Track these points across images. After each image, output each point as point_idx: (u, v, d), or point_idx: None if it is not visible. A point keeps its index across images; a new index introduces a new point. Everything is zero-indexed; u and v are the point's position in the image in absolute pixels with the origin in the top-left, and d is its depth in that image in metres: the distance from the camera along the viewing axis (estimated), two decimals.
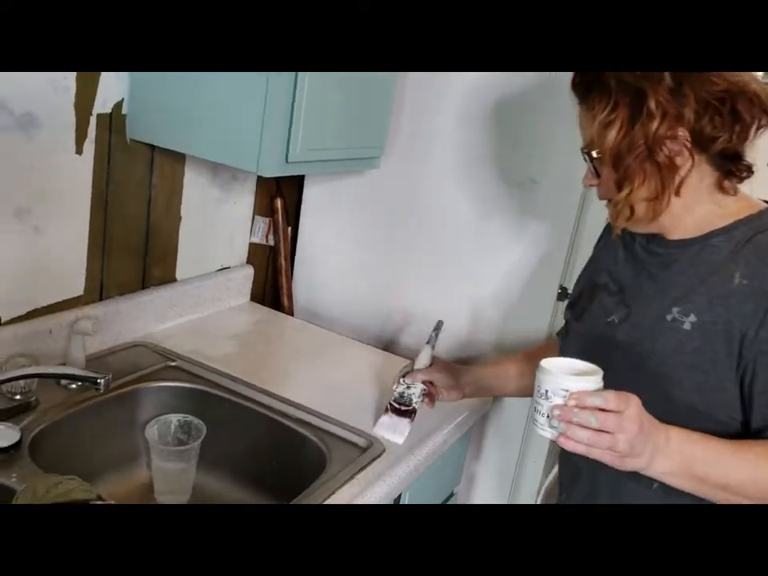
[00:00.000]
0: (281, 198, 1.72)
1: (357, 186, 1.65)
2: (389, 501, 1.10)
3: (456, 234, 1.54)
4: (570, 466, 1.04)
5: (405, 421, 1.19)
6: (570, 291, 1.45)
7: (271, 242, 1.77)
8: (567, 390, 0.77)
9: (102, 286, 1.34)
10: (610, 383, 0.79)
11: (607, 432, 0.75)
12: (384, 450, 1.15)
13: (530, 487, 1.56)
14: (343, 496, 1.02)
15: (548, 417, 0.79)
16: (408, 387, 1.20)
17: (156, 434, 1.20)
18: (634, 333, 0.90)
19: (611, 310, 0.95)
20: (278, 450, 1.22)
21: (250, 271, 1.72)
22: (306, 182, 1.74)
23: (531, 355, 1.20)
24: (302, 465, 1.17)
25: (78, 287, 1.29)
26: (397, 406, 1.21)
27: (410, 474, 1.14)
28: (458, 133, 1.50)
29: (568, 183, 1.41)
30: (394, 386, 1.21)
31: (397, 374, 1.22)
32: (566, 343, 1.04)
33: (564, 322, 1.09)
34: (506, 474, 1.57)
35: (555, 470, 1.56)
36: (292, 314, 1.77)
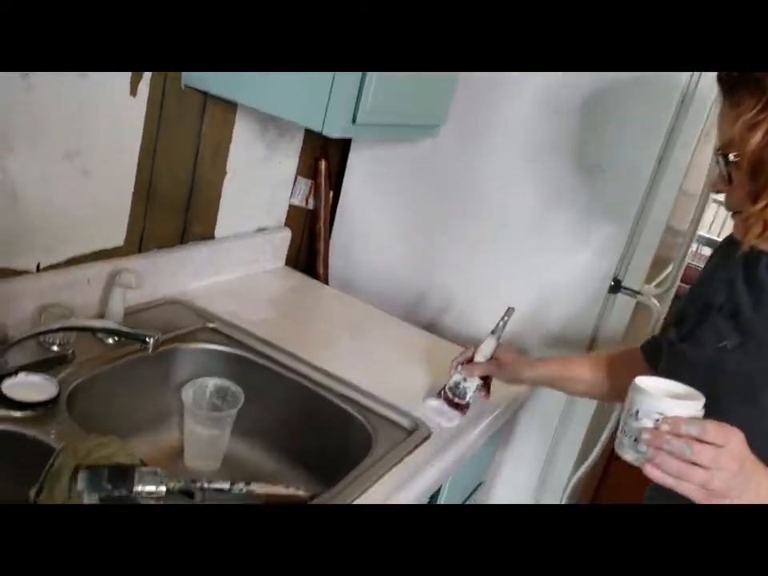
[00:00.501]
0: (325, 160, 1.65)
1: (407, 157, 1.58)
2: (435, 487, 1.05)
3: (509, 219, 1.48)
4: None
5: (456, 413, 1.15)
6: (623, 284, 1.40)
7: (311, 206, 1.71)
8: (662, 414, 0.70)
9: (143, 238, 1.28)
10: (712, 413, 0.71)
11: (702, 466, 0.68)
12: (431, 434, 1.10)
13: (558, 482, 1.52)
14: (392, 479, 0.97)
15: (635, 440, 0.72)
16: (465, 379, 1.15)
17: (191, 397, 1.15)
18: (748, 362, 0.82)
19: (724, 335, 0.85)
20: (319, 425, 1.17)
21: (287, 234, 1.66)
22: (352, 145, 1.67)
23: (609, 360, 1.13)
24: (345, 443, 1.12)
25: (118, 237, 1.23)
26: (450, 396, 1.16)
27: (455, 461, 1.09)
28: (524, 112, 1.42)
29: (634, 174, 1.34)
30: (451, 372, 1.15)
31: (454, 360, 1.16)
32: (667, 364, 0.94)
33: (659, 339, 1.03)
34: (534, 466, 1.52)
35: (585, 466, 1.52)
36: (327, 283, 1.71)
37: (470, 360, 1.16)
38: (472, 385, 1.15)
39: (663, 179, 1.34)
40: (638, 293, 1.39)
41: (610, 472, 2.22)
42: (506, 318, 1.18)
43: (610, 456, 2.10)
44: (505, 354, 1.17)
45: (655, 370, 0.95)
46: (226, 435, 1.18)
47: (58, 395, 0.95)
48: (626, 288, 1.39)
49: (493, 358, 1.15)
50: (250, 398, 1.16)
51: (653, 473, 0.69)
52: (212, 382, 1.19)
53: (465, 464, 1.16)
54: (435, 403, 1.16)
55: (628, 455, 0.74)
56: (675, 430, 0.69)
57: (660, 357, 0.97)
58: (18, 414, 0.91)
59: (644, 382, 0.74)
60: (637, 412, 0.72)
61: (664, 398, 0.72)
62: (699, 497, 0.69)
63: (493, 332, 1.17)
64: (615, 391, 1.10)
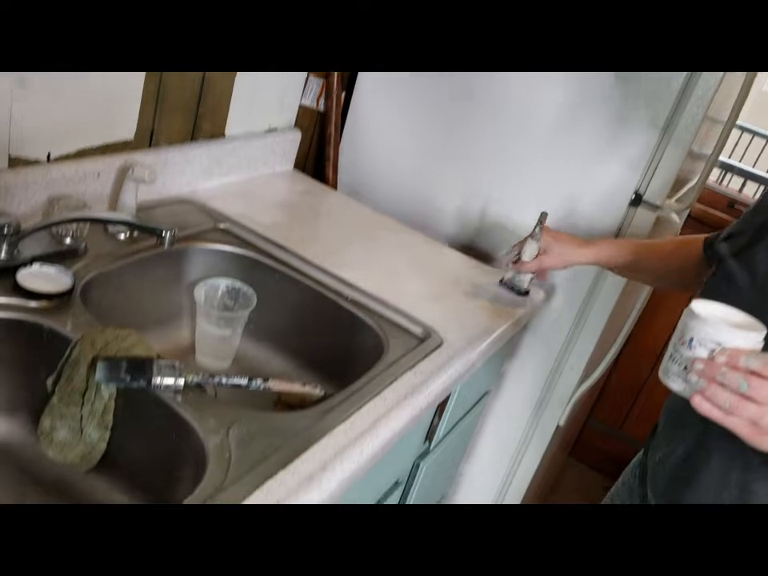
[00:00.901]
0: None
1: None
2: (445, 394, 1.06)
3: (533, 120, 1.44)
4: (691, 440, 0.87)
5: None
6: (644, 198, 1.38)
7: (322, 108, 1.66)
8: (719, 344, 0.66)
9: (153, 132, 1.24)
10: None
11: (755, 402, 0.64)
12: (443, 342, 1.11)
13: (562, 393, 1.54)
14: (404, 385, 0.98)
15: (685, 368, 0.68)
16: (518, 273, 1.28)
17: (203, 296, 1.15)
18: None
19: None
20: (330, 330, 1.17)
21: (297, 136, 1.61)
22: None
23: (675, 246, 1.14)
24: (356, 349, 1.13)
25: (128, 131, 1.19)
26: (510, 286, 1.31)
27: (467, 370, 1.10)
28: None
29: (663, 87, 1.30)
30: (506, 265, 1.28)
31: (504, 258, 1.29)
32: (713, 282, 0.89)
33: (709, 253, 1.00)
34: (539, 377, 1.55)
35: (590, 380, 1.55)
36: (335, 188, 1.68)
37: (517, 261, 1.25)
38: (525, 277, 1.29)
39: (692, 97, 1.30)
40: (659, 207, 1.38)
41: (607, 389, 2.27)
42: (541, 221, 1.24)
43: (610, 373, 2.15)
44: (555, 246, 1.21)
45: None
46: (237, 336, 1.18)
47: (73, 287, 0.95)
48: (646, 202, 1.38)
49: (538, 255, 1.22)
50: (261, 301, 1.16)
51: (701, 405, 0.66)
52: (224, 283, 1.18)
53: (473, 373, 1.17)
54: (499, 290, 1.28)
55: (675, 384, 0.71)
56: (733, 363, 0.65)
57: (712, 263, 0.93)
58: (33, 303, 0.90)
59: (701, 307, 0.70)
60: (691, 340, 0.68)
61: (724, 327, 0.67)
62: (746, 432, 0.66)
63: (531, 236, 1.23)
64: (678, 284, 1.16)
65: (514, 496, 1.67)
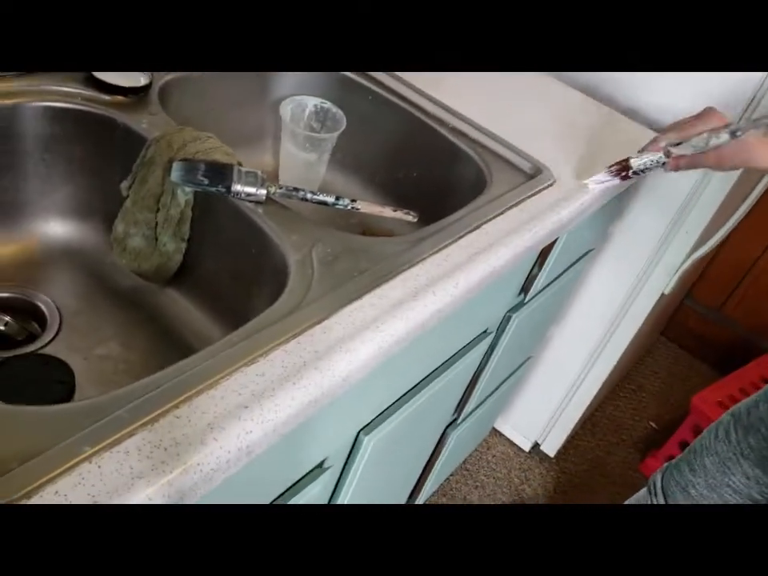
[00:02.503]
0: None
1: None
2: (550, 239, 0.94)
3: None
4: None
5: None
6: None
7: None
8: None
9: None
10: None
11: None
12: (554, 182, 0.98)
13: (672, 259, 1.40)
14: (508, 221, 0.87)
15: None
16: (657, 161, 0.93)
17: (289, 114, 1.04)
18: None
19: None
20: (426, 161, 1.06)
21: None
22: None
23: None
24: (454, 183, 1.02)
25: None
26: (624, 172, 0.96)
27: (580, 213, 0.98)
28: None
29: None
30: (664, 146, 0.92)
31: (656, 141, 0.93)
32: None
33: None
34: (648, 240, 1.40)
35: (705, 248, 1.39)
36: None
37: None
38: (655, 158, 0.93)
39: None
40: None
41: (711, 267, 2.09)
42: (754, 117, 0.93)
43: (717, 249, 1.96)
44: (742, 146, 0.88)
45: None
46: (323, 162, 1.09)
47: (150, 84, 0.86)
48: None
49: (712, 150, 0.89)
50: (351, 126, 1.05)
51: None
52: (312, 102, 1.07)
53: (582, 222, 1.04)
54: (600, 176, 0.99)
55: None
56: None
57: None
58: (107, 97, 0.82)
59: None
60: None
61: None
62: None
63: (733, 132, 0.86)
64: None
65: (602, 368, 1.57)
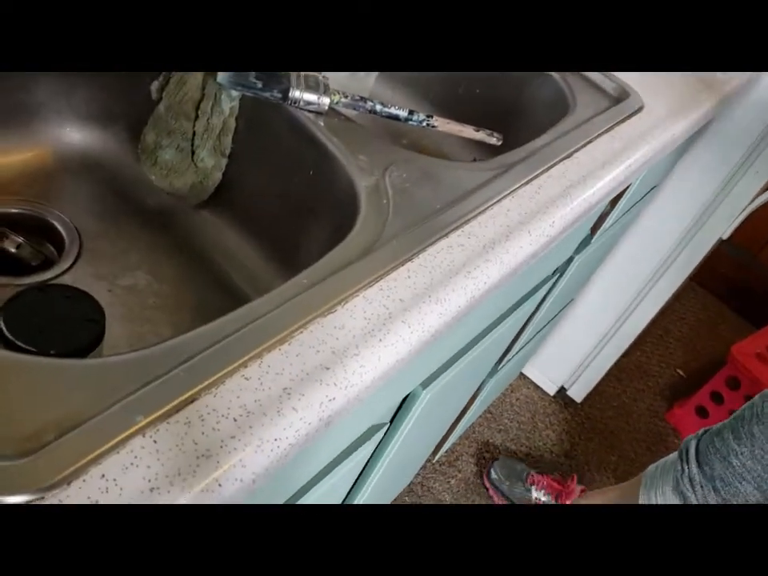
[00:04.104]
0: None
1: None
2: (642, 172, 0.83)
3: None
4: None
5: None
6: None
7: None
8: None
9: None
10: None
11: None
12: (642, 107, 0.85)
13: (735, 203, 1.29)
14: (601, 149, 0.75)
15: None
16: None
17: None
18: None
19: None
20: (500, 81, 0.92)
21: None
22: None
23: None
24: (524, 101, 0.89)
25: None
26: None
27: (670, 143, 0.86)
28: None
29: None
30: None
31: None
32: None
33: None
34: (713, 179, 1.28)
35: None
36: None
37: None
38: None
39: None
40: None
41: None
42: None
43: None
44: None
45: None
46: (372, 73, 0.95)
47: None
48: None
49: None
50: None
51: None
52: None
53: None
54: None
55: None
56: None
57: None
58: None
59: None
60: None
61: None
62: None
63: None
64: None
65: (641, 315, 1.48)
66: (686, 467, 1.11)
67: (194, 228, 0.74)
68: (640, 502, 1.14)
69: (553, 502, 1.35)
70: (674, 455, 1.16)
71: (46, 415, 0.37)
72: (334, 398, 0.44)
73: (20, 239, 0.65)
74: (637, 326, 1.51)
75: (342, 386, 0.45)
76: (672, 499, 1.09)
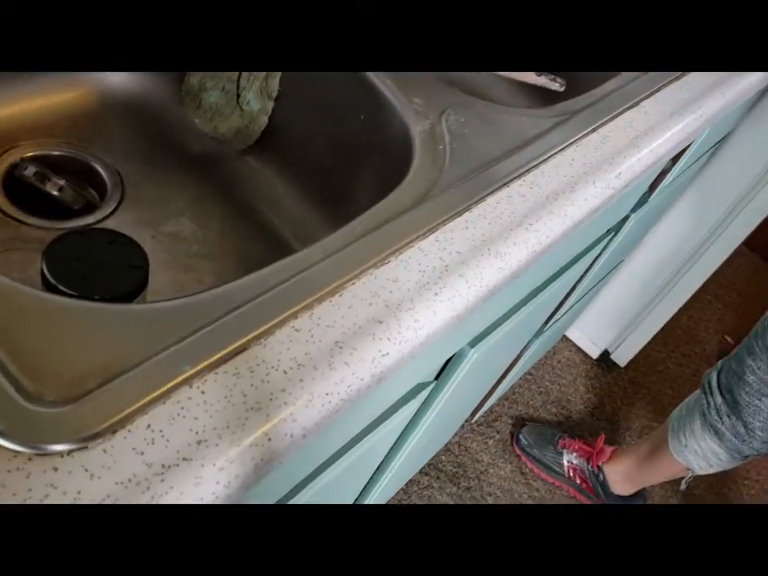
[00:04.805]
0: None
1: None
2: (711, 125, 0.77)
3: None
4: None
5: None
6: None
7: None
8: None
9: None
10: None
11: None
12: None
13: None
14: (668, 99, 0.70)
15: None
16: None
17: None
18: None
19: None
20: None
21: None
22: None
23: None
24: None
25: None
26: None
27: (740, 96, 0.80)
28: None
29: None
30: None
31: None
32: None
33: None
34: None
35: None
36: None
37: None
38: None
39: None
40: None
41: None
42: None
43: None
44: None
45: None
46: None
47: None
48: None
49: None
50: None
51: None
52: None
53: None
54: None
55: None
56: None
57: None
58: None
59: None
60: None
61: None
62: None
63: None
64: None
65: (693, 279, 1.43)
66: (710, 399, 1.07)
67: (239, 175, 0.71)
68: (670, 447, 1.11)
69: (585, 465, 1.32)
70: (696, 393, 1.12)
71: (89, 361, 0.36)
72: (387, 353, 0.42)
73: (62, 182, 0.63)
74: (686, 290, 1.46)
75: (395, 341, 0.43)
76: (702, 436, 1.05)
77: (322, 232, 0.55)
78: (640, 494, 1.33)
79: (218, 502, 0.34)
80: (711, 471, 1.10)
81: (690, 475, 1.12)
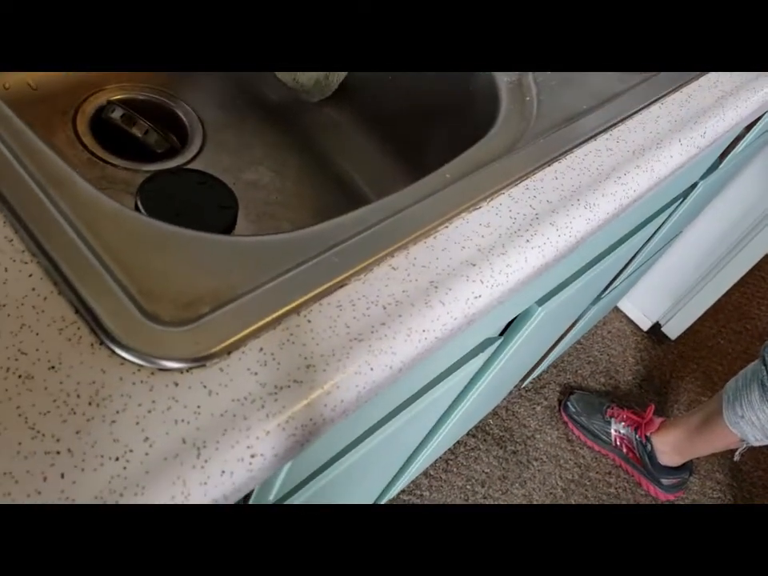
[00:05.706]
0: None
1: None
2: None
3: None
4: None
5: None
6: None
7: None
8: None
9: None
10: None
11: None
12: None
13: None
14: None
15: None
16: None
17: None
18: None
19: None
20: None
21: None
22: None
23: None
24: None
25: None
26: None
27: None
28: None
29: None
30: None
31: None
32: None
33: None
34: None
35: None
36: None
37: None
38: None
39: None
40: None
41: None
42: None
43: None
44: None
45: None
46: None
47: None
48: None
49: None
50: None
51: None
52: None
53: None
54: None
55: None
56: None
57: None
58: None
59: None
60: None
61: None
62: None
63: None
64: None
65: (750, 254, 1.40)
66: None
67: (317, 125, 0.72)
68: (724, 418, 1.10)
69: (633, 434, 1.32)
70: (754, 364, 1.10)
71: (201, 287, 0.37)
72: (479, 296, 0.43)
73: (147, 125, 0.65)
74: (741, 266, 1.43)
75: (488, 284, 0.43)
76: (761, 407, 1.04)
77: (399, 184, 0.56)
78: (687, 465, 1.32)
79: (324, 425, 0.36)
80: (767, 443, 1.09)
81: (744, 446, 1.11)
